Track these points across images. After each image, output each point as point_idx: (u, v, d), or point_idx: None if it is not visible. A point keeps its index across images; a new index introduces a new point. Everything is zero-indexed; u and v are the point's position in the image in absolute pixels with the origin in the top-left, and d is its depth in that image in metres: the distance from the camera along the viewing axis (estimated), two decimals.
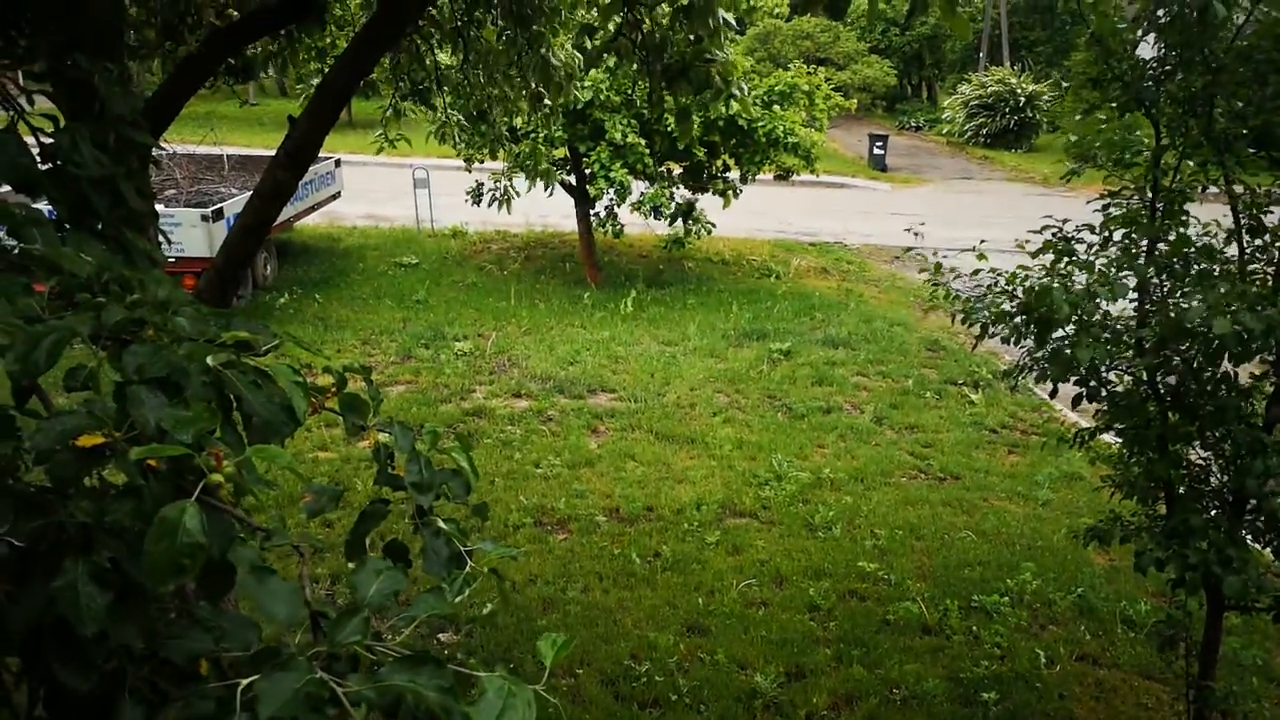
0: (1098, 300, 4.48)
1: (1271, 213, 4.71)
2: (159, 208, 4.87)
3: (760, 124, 14.19)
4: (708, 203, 15.34)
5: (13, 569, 1.44)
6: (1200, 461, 5.03)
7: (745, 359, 12.51)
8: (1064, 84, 5.88)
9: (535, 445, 9.75)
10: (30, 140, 2.42)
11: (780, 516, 8.57)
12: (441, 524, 1.83)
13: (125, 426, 1.47)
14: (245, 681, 1.25)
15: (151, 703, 1.49)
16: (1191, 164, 4.83)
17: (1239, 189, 4.76)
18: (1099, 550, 5.44)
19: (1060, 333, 4.77)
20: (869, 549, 8.07)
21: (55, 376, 1.61)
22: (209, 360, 1.55)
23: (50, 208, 2.37)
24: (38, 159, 2.31)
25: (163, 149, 4.74)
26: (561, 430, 10.15)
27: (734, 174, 15.33)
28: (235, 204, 12.91)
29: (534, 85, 6.94)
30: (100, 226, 2.33)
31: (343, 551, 2.02)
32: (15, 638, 1.46)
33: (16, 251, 1.94)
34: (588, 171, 14.21)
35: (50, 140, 2.32)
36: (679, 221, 14.96)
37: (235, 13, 5.66)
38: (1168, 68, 4.76)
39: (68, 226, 2.27)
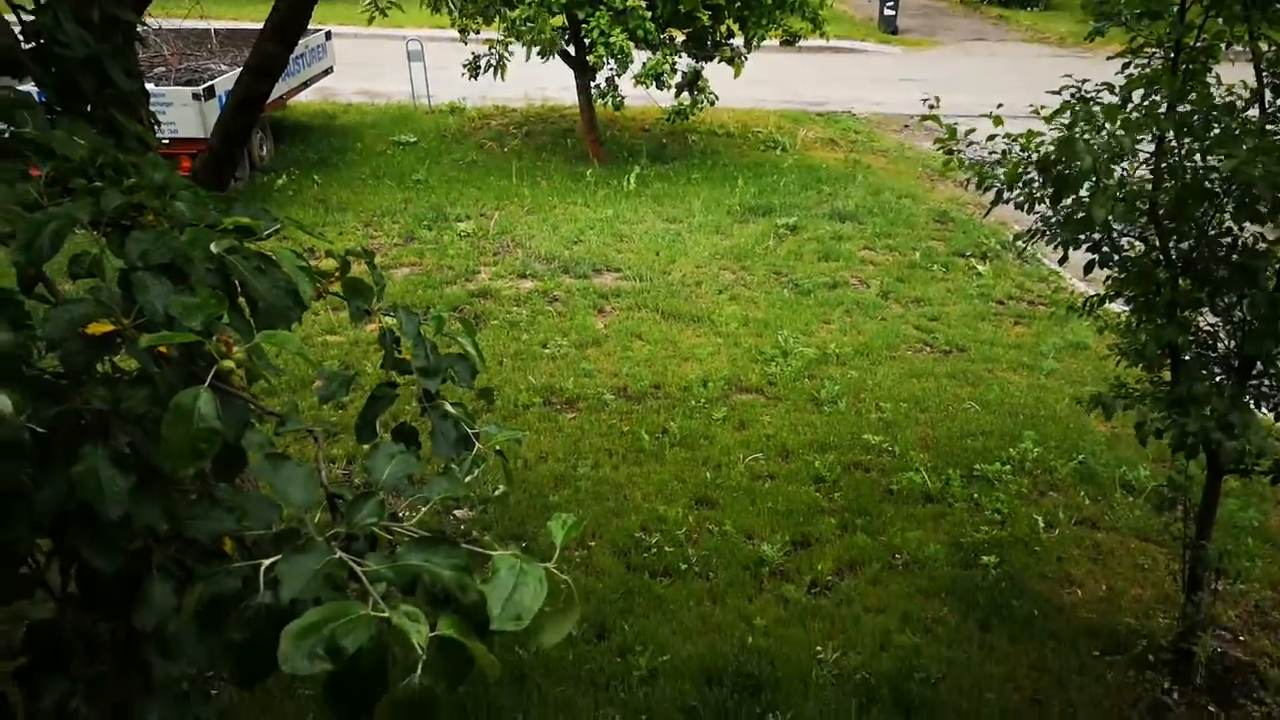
0: (1118, 155, 4.38)
1: None
2: (148, 87, 4.73)
3: None
4: (712, 72, 14.85)
5: (34, 455, 1.46)
6: (1208, 327, 5.03)
7: (751, 235, 12.38)
8: None
9: (542, 326, 9.78)
10: (11, 18, 2.33)
11: (786, 392, 8.65)
12: (449, 407, 1.84)
13: (134, 313, 1.46)
14: (268, 562, 1.29)
15: (179, 579, 1.54)
16: (1219, 20, 4.63)
17: (1264, 46, 4.58)
18: (1101, 418, 5.49)
19: (1074, 198, 4.69)
20: (874, 422, 8.19)
21: (59, 263, 1.60)
22: (212, 246, 1.53)
23: (37, 89, 2.30)
24: (20, 38, 2.23)
25: (147, 25, 4.57)
26: (568, 310, 10.16)
27: (739, 40, 14.77)
28: (226, 81, 12.54)
29: None
30: (89, 108, 2.27)
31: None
32: (43, 521, 1.50)
33: (8, 135, 1.89)
34: (586, 40, 13.70)
35: (32, 18, 2.23)
36: (683, 93, 14.52)
37: None
38: None
39: (56, 109, 2.20)
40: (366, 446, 1.78)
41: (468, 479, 1.74)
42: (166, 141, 11.44)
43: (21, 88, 2.28)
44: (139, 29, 3.01)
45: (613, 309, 10.28)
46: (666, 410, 8.28)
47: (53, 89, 2.19)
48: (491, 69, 14.04)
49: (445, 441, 1.85)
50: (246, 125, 4.93)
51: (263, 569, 1.29)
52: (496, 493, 6.85)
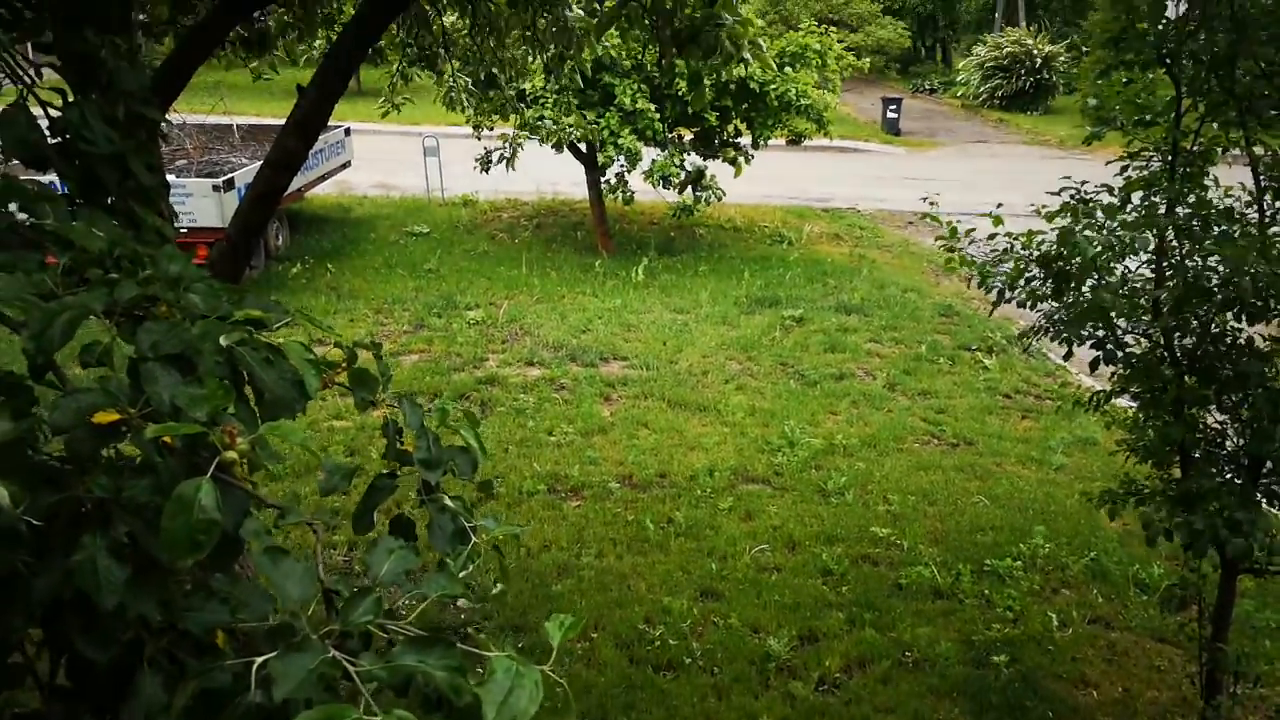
0: (1117, 252, 4.44)
1: None
2: (170, 178, 4.87)
3: (772, 86, 14.01)
4: (719, 169, 15.22)
5: (32, 543, 1.46)
6: (1216, 425, 5.01)
7: (757, 326, 12.48)
8: (1082, 45, 5.79)
9: (548, 413, 9.79)
10: (39, 114, 2.42)
11: (793, 482, 8.59)
12: (448, 500, 1.84)
13: (140, 403, 1.48)
14: (260, 660, 1.27)
15: (170, 674, 1.52)
16: (1214, 125, 4.76)
17: (1260, 151, 4.69)
18: (1113, 514, 5.43)
19: (1075, 295, 4.73)
20: (881, 514, 8.10)
21: (70, 350, 1.62)
22: (222, 339, 1.56)
23: (59, 181, 2.37)
24: (47, 133, 2.31)
25: (170, 122, 4.73)
26: (574, 398, 10.18)
27: (746, 139, 15.17)
28: (246, 173, 12.89)
29: (553, 47, 6.87)
30: (110, 201, 2.33)
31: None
32: (36, 610, 1.49)
33: (28, 226, 1.95)
34: (595, 140, 14.10)
35: (59, 115, 2.32)
36: (689, 189, 14.86)
37: None
38: (1191, 26, 4.67)
39: (78, 202, 2.27)
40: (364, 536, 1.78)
41: (463, 573, 1.73)
42: (185, 230, 11.69)
43: (44, 179, 2.36)
44: (163, 125, 3.12)
45: (619, 397, 10.30)
46: (672, 499, 8.22)
47: (75, 182, 2.26)
48: (504, 161, 14.41)
49: (442, 535, 1.84)
50: (264, 217, 5.04)
51: (255, 666, 1.27)
52: (495, 590, 6.74)
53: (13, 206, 2.00)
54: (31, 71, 2.76)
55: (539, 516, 7.85)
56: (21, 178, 2.09)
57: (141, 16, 5.42)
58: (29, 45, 3.10)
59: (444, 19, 7.30)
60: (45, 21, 2.89)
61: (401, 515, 1.95)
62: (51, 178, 2.43)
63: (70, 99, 2.39)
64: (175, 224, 2.74)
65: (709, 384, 10.69)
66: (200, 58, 4.53)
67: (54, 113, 2.35)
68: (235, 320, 1.66)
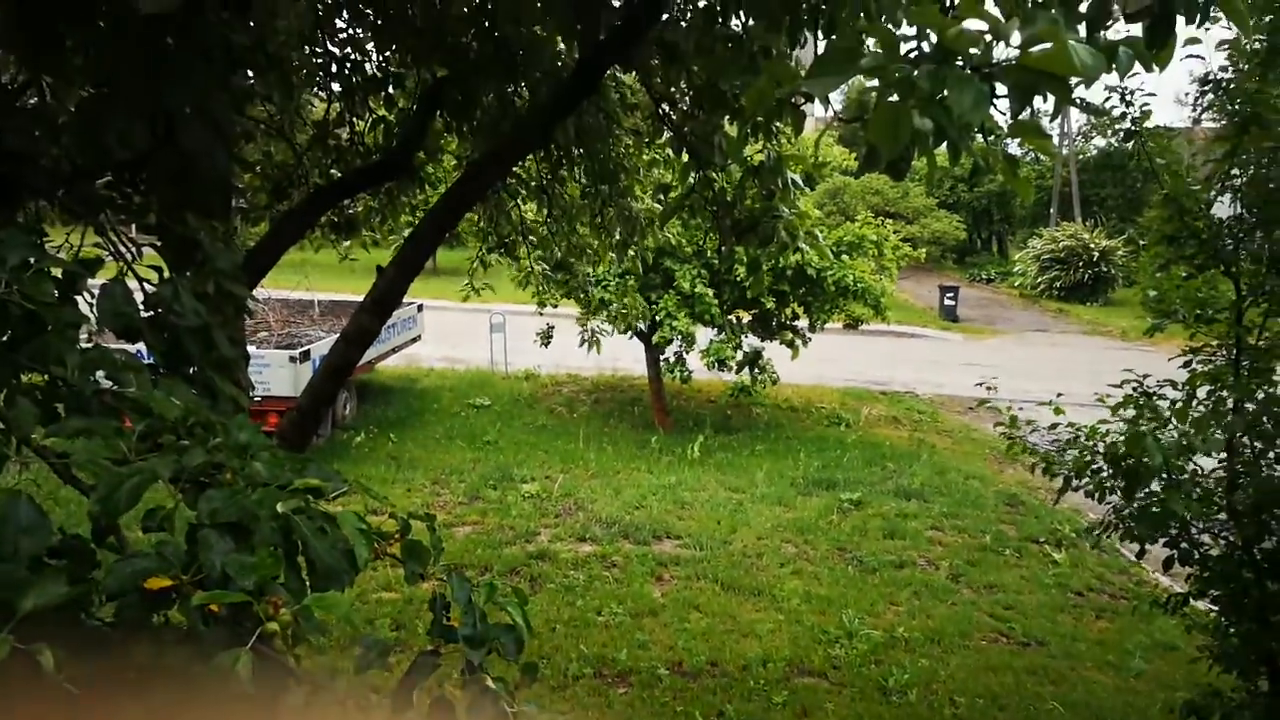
0: (1187, 448, 4.33)
1: None
2: (249, 349, 5.11)
3: (830, 273, 14.40)
4: (776, 350, 15.43)
5: (69, 709, 1.45)
6: None
7: (814, 508, 12.24)
8: (1139, 240, 5.88)
9: (598, 591, 9.57)
10: (135, 287, 2.60)
11: (851, 678, 8.14)
12: (490, 682, 1.80)
13: (193, 570, 1.50)
14: None
15: None
16: (1277, 323, 4.72)
17: None
18: None
19: (1145, 491, 4.58)
20: (948, 718, 7.58)
21: (135, 514, 1.68)
22: (279, 506, 1.60)
23: (146, 350, 2.52)
24: (140, 307, 2.47)
25: (255, 298, 5.03)
26: (625, 577, 9.97)
27: (803, 322, 15.46)
28: (322, 346, 13.47)
29: (619, 234, 7.24)
30: (191, 371, 2.46)
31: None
32: None
33: (111, 393, 2.06)
34: (655, 319, 14.51)
35: (154, 290, 2.49)
36: (744, 370, 15.05)
37: (337, 172, 6.12)
38: (1246, 227, 4.74)
39: (160, 371, 2.39)
40: None
41: None
42: (258, 399, 12.14)
43: (131, 348, 2.51)
44: (248, 301, 3.32)
45: (671, 577, 10.05)
46: (723, 690, 7.82)
47: (161, 352, 2.39)
48: (587, 345, 14.81)
49: (482, 719, 1.79)
50: (335, 388, 5.22)
51: None
52: None
53: (100, 374, 2.12)
54: (133, 249, 3.00)
55: (584, 702, 7.53)
56: (111, 346, 2.23)
57: (241, 202, 5.89)
58: (133, 225, 3.38)
59: (522, 208, 7.78)
60: (151, 205, 3.15)
61: (441, 696, 1.90)
62: (140, 347, 2.58)
63: (166, 275, 2.58)
64: (251, 393, 2.87)
65: (763, 567, 10.40)
66: (291, 241, 4.86)
67: (149, 288, 2.53)
68: (294, 489, 1.70)
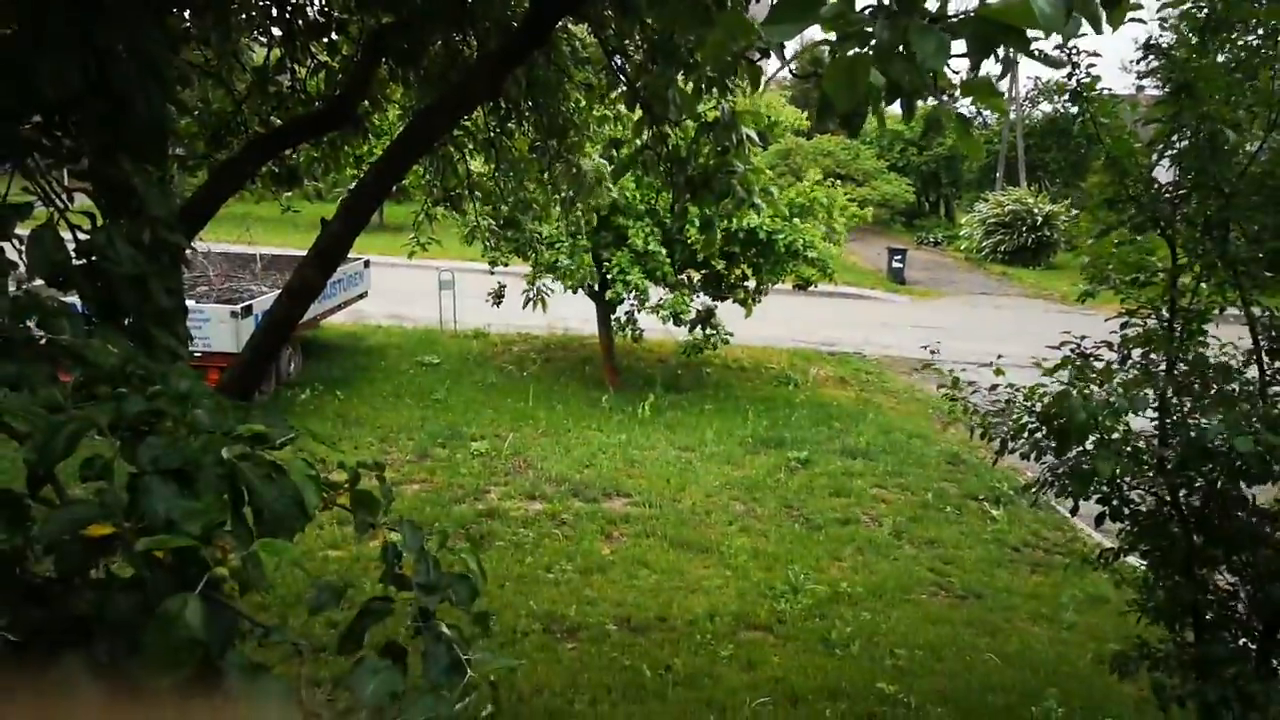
0: (1117, 413, 4.45)
1: None
2: (189, 304, 4.97)
3: (780, 236, 14.45)
4: (727, 311, 15.50)
5: (10, 660, 1.42)
6: (1229, 586, 4.89)
7: (762, 467, 12.41)
8: (1079, 206, 5.99)
9: (547, 549, 9.62)
10: (67, 236, 2.51)
11: (796, 631, 8.33)
12: (444, 629, 1.80)
13: (135, 517, 1.47)
14: None
15: None
16: (1208, 286, 4.87)
17: (1257, 311, 4.78)
18: (1123, 676, 5.23)
19: (1079, 450, 4.72)
20: (888, 669, 7.81)
21: (72, 466, 1.63)
22: (223, 452, 1.57)
23: (79, 300, 2.43)
24: (73, 254, 2.38)
25: (195, 249, 4.88)
26: (575, 534, 10.03)
27: (752, 283, 15.53)
28: (264, 301, 13.18)
29: (565, 191, 7.16)
30: (127, 322, 2.39)
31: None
32: None
33: (44, 342, 1.99)
34: (608, 276, 14.46)
35: (87, 237, 2.40)
36: (697, 328, 15.11)
37: (277, 120, 5.93)
38: (1183, 190, 4.85)
39: (95, 321, 2.32)
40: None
41: (458, 706, 1.66)
42: (199, 355, 11.86)
43: (64, 298, 2.42)
44: (187, 252, 3.21)
45: (620, 535, 10.14)
46: (671, 644, 7.95)
47: (95, 302, 2.31)
48: (532, 303, 14.67)
49: (436, 665, 1.79)
50: (278, 343, 5.11)
51: None
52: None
53: (31, 322, 2.05)
54: (64, 195, 2.88)
55: (533, 658, 7.59)
56: (44, 296, 2.15)
57: (177, 150, 5.69)
58: (64, 170, 3.24)
59: (469, 162, 7.63)
60: (83, 149, 3.03)
61: (393, 641, 1.90)
62: (74, 299, 2.49)
63: (100, 223, 2.48)
64: (190, 347, 2.79)
65: (712, 524, 10.54)
66: (230, 190, 4.71)
67: (82, 236, 2.44)
68: (239, 435, 1.67)
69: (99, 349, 1.88)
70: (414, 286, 20.50)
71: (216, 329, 12.54)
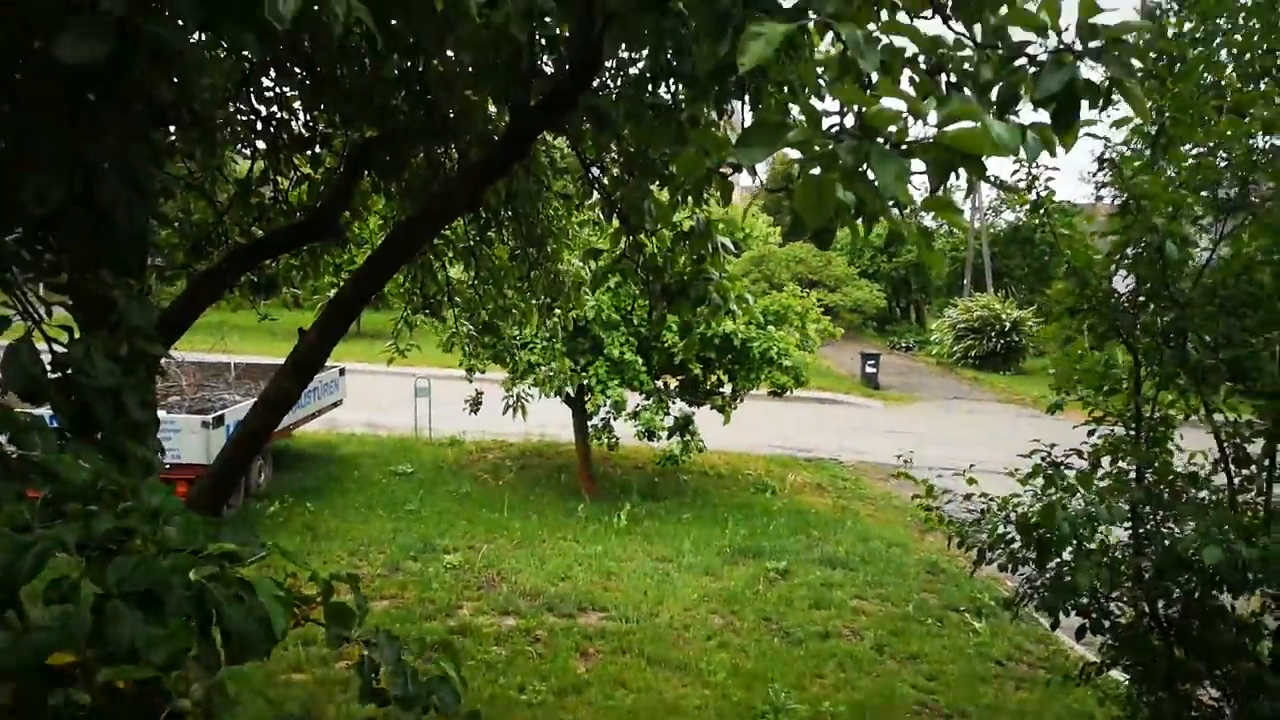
0: (1095, 522, 4.46)
1: (1254, 443, 4.77)
2: (160, 414, 4.92)
3: (755, 343, 14.64)
4: (704, 416, 15.53)
5: None
6: (1212, 702, 4.81)
7: (741, 578, 12.21)
8: (1045, 313, 6.15)
9: (521, 668, 9.32)
10: (43, 347, 2.50)
11: None
12: None
13: (99, 644, 1.42)
14: None
15: None
16: (1170, 394, 4.96)
17: (1220, 419, 4.85)
18: None
19: (1057, 561, 4.70)
20: None
21: (36, 588, 1.58)
22: (192, 574, 1.53)
23: (51, 413, 2.41)
24: (48, 368, 2.37)
25: (171, 358, 4.87)
26: (549, 652, 9.73)
27: (728, 389, 15.64)
28: (237, 410, 13.04)
29: (543, 298, 7.25)
30: (101, 435, 2.36)
31: None
32: None
33: (15, 457, 1.96)
34: (585, 385, 14.51)
35: (63, 350, 2.40)
36: (674, 437, 15.10)
37: (259, 231, 6.01)
38: (1140, 300, 4.99)
39: (68, 434, 2.29)
40: None
41: None
42: (169, 466, 11.64)
43: (39, 412, 2.40)
44: (161, 362, 3.21)
45: (596, 652, 9.85)
46: None
47: (68, 416, 2.29)
48: (512, 410, 14.65)
49: None
50: (250, 455, 5.05)
51: None
52: None
53: (3, 438, 2.02)
54: (41, 309, 2.88)
55: None
56: (16, 410, 2.13)
57: (157, 260, 5.73)
58: (40, 284, 3.25)
59: (449, 269, 7.73)
60: (63, 263, 3.04)
61: None
62: (47, 410, 2.47)
63: (77, 335, 2.48)
64: (161, 459, 2.75)
65: (690, 639, 10.28)
66: (209, 300, 4.74)
67: (58, 349, 2.43)
68: (208, 554, 1.64)
69: (70, 464, 1.85)
70: (390, 394, 20.44)
71: (187, 440, 12.33)
